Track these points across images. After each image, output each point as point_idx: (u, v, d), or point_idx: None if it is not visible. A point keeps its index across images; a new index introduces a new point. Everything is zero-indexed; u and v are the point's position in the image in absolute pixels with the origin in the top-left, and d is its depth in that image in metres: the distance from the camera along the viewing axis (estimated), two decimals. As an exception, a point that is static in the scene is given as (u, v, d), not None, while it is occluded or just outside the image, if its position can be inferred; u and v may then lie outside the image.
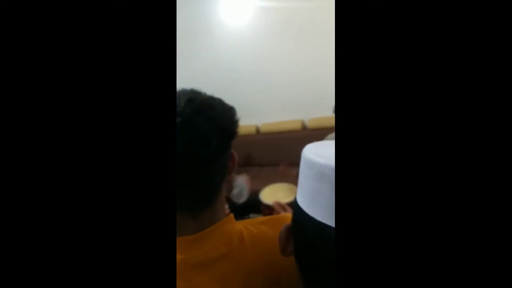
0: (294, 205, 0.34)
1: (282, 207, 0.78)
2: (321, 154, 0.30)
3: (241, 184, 1.57)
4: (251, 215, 1.73)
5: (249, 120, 2.66)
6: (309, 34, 2.20)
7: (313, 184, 0.30)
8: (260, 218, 0.49)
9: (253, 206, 1.62)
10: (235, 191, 1.58)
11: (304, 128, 2.43)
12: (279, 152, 2.45)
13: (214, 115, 0.39)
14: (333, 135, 1.66)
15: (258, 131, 2.64)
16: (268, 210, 1.45)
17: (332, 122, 1.62)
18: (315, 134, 2.21)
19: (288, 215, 0.50)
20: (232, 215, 0.45)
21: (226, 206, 1.23)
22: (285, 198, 1.37)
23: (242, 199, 1.58)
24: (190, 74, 2.75)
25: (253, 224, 0.46)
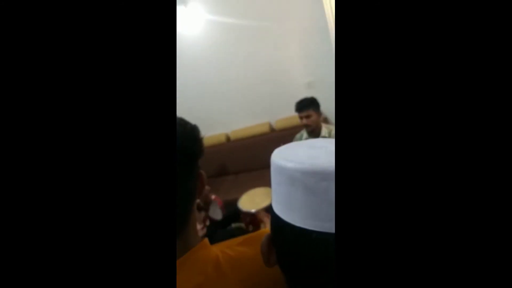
0: (271, 213, 0.34)
1: (266, 215, 0.76)
2: (289, 158, 0.29)
3: (214, 203, 1.58)
4: (232, 225, 1.73)
5: (218, 129, 2.66)
6: (259, 37, 2.27)
7: (285, 189, 0.29)
8: (238, 238, 0.47)
9: (233, 216, 1.63)
10: (210, 210, 1.58)
11: (272, 130, 2.49)
12: (251, 157, 2.48)
13: None
14: (300, 134, 1.73)
15: (228, 139, 2.65)
16: (249, 217, 1.46)
17: (297, 120, 1.68)
18: (283, 134, 2.28)
19: (266, 230, 0.49)
20: (206, 240, 0.43)
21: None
22: (262, 203, 1.39)
23: (218, 216, 1.58)
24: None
25: (231, 246, 0.44)
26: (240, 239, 0.46)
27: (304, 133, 1.72)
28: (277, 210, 0.32)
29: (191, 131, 0.41)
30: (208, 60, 2.43)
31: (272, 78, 2.37)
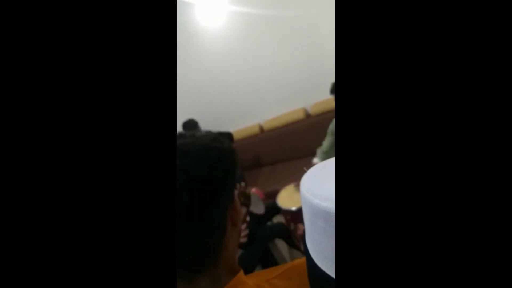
0: (308, 264, 0.27)
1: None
2: (321, 194, 0.23)
3: (254, 196, 1.54)
4: (273, 219, 1.67)
5: (251, 120, 2.60)
6: (287, 22, 2.12)
7: (317, 233, 0.23)
8: (277, 269, 0.42)
9: (272, 210, 1.57)
10: (252, 205, 1.55)
11: (308, 116, 2.35)
12: (287, 146, 2.38)
13: (184, 165, 0.31)
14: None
15: (262, 129, 2.57)
16: (289, 215, 1.40)
17: (332, 104, 1.53)
18: (321, 119, 2.13)
19: (302, 261, 0.44)
20: (241, 273, 0.37)
21: (243, 227, 1.18)
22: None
23: (261, 211, 1.54)
24: (181, 86, 2.72)
25: (269, 280, 0.39)
26: (278, 270, 0.41)
27: None
28: (323, 265, 0.24)
29: (214, 153, 0.34)
30: (235, 52, 2.37)
31: (303, 60, 2.21)
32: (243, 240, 1.18)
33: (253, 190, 1.55)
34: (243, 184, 1.60)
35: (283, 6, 2.07)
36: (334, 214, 0.22)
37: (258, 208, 1.53)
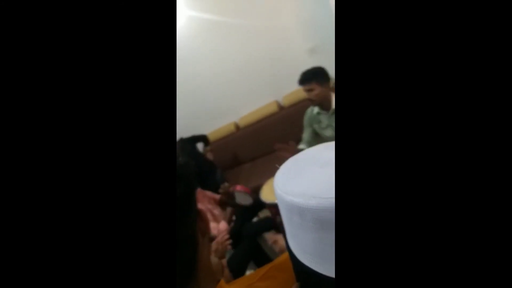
0: (292, 260, 0.28)
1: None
2: (307, 191, 0.23)
3: (240, 192, 1.53)
4: (260, 214, 1.67)
5: (226, 119, 2.57)
6: (248, 13, 2.11)
7: (312, 235, 0.23)
8: (259, 271, 0.43)
9: (258, 206, 1.57)
10: (238, 199, 1.54)
11: (281, 108, 2.37)
12: (264, 140, 2.39)
13: None
14: (310, 109, 1.60)
15: (238, 127, 2.56)
16: (274, 208, 1.40)
17: (303, 93, 1.55)
18: (293, 110, 2.16)
19: (283, 258, 0.44)
20: (221, 282, 0.37)
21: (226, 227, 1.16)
22: None
23: (248, 201, 1.54)
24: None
25: (251, 284, 0.40)
26: (260, 272, 0.41)
27: (315, 108, 1.57)
28: (304, 259, 0.25)
29: (183, 168, 0.33)
30: (199, 52, 2.31)
31: (269, 53, 2.22)
32: (227, 248, 1.17)
33: (238, 187, 1.54)
34: (226, 184, 1.58)
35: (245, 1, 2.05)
36: (307, 209, 0.22)
37: (245, 199, 1.53)
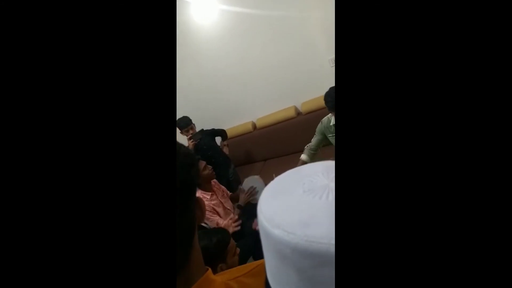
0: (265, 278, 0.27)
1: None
2: (276, 217, 0.21)
3: (259, 182, 1.66)
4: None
5: (244, 118, 2.64)
6: (276, 20, 2.16)
7: (275, 262, 0.22)
8: (248, 266, 0.43)
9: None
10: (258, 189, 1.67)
11: (299, 113, 2.41)
12: (279, 143, 2.44)
13: None
14: (327, 118, 1.64)
15: (255, 127, 2.62)
16: None
17: (322, 102, 1.59)
18: (310, 117, 2.20)
19: None
20: (209, 271, 0.38)
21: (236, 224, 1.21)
22: None
23: (256, 201, 1.60)
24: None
25: (237, 277, 0.40)
26: (247, 268, 0.42)
27: (332, 118, 1.61)
28: (269, 277, 0.24)
29: (185, 158, 0.35)
30: (226, 49, 2.39)
31: (293, 59, 2.26)
32: (236, 228, 1.22)
33: (256, 177, 1.64)
34: (242, 188, 1.66)
35: (273, 6, 2.11)
36: (270, 236, 0.21)
37: (254, 199, 1.61)
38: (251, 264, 0.43)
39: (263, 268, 0.39)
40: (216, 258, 0.81)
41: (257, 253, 1.46)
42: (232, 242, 0.90)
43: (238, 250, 0.94)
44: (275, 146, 2.48)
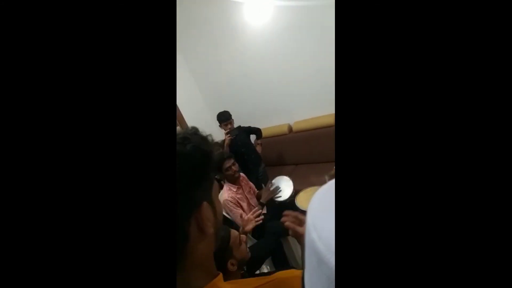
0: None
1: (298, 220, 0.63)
2: (323, 233, 0.19)
3: (288, 181, 1.66)
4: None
5: (281, 119, 2.64)
6: (327, 27, 2.10)
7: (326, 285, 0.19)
8: (261, 280, 0.41)
9: (290, 209, 1.62)
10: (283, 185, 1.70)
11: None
12: (313, 149, 2.39)
13: None
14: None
15: (291, 129, 2.61)
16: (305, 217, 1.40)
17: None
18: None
19: (288, 276, 0.42)
20: (219, 277, 0.37)
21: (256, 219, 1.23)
22: None
23: (286, 196, 1.61)
24: (219, 80, 2.82)
25: None
26: (261, 281, 0.40)
27: None
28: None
29: (190, 153, 0.32)
30: (273, 52, 2.40)
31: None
32: (258, 223, 1.23)
33: (286, 178, 1.67)
34: (270, 186, 1.68)
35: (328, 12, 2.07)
36: (325, 262, 0.18)
37: (286, 191, 1.61)
38: (264, 278, 0.41)
39: (276, 286, 0.38)
40: (222, 257, 0.82)
41: (277, 256, 1.45)
42: (234, 232, 0.89)
43: (244, 237, 0.92)
44: (309, 151, 2.44)
